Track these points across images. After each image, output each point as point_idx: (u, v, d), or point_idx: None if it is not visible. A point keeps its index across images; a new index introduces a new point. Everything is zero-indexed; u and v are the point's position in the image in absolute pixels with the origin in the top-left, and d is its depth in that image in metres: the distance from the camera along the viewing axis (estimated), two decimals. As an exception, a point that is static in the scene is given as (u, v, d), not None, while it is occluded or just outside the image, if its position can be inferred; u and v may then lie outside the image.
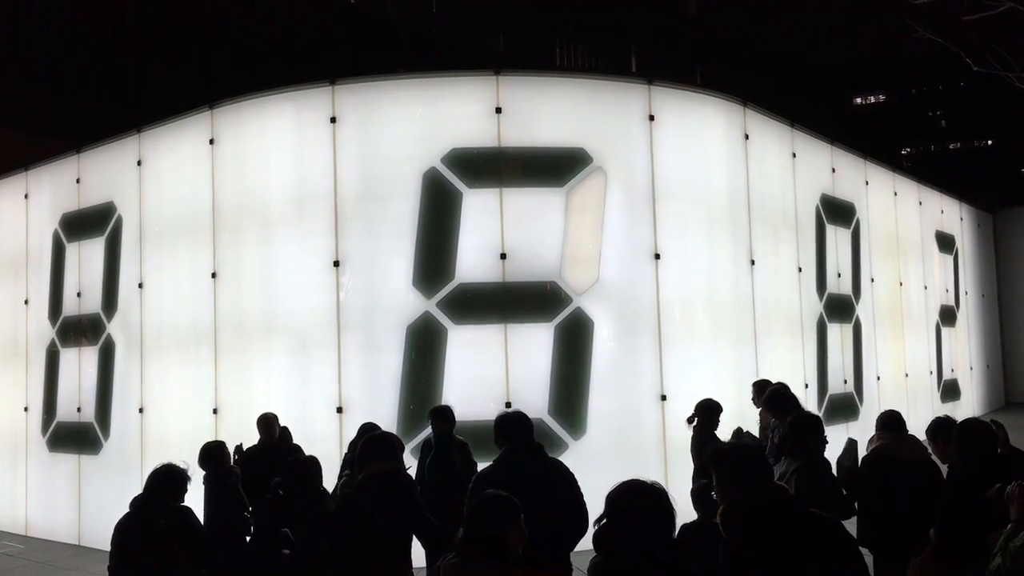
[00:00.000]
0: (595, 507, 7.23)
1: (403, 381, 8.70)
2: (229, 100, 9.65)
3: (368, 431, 6.96)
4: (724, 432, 7.65)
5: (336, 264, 8.82)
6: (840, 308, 13.01)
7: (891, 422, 5.61)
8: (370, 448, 4.74)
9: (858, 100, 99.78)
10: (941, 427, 5.19)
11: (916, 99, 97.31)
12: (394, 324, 8.75)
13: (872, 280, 14.30)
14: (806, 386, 11.74)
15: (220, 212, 9.51)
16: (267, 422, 7.61)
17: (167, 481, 5.24)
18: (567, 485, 4.71)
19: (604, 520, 3.10)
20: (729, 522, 3.11)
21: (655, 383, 9.18)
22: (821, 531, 3.08)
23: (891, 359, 14.91)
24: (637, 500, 3.04)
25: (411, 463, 6.56)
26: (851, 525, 4.84)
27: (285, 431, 7.74)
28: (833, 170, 13.31)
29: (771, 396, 6.84)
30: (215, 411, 9.28)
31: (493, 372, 8.69)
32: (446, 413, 7.09)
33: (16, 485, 11.61)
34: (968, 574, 4.13)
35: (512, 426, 4.94)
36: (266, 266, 9.24)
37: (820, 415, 7.02)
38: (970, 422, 4.60)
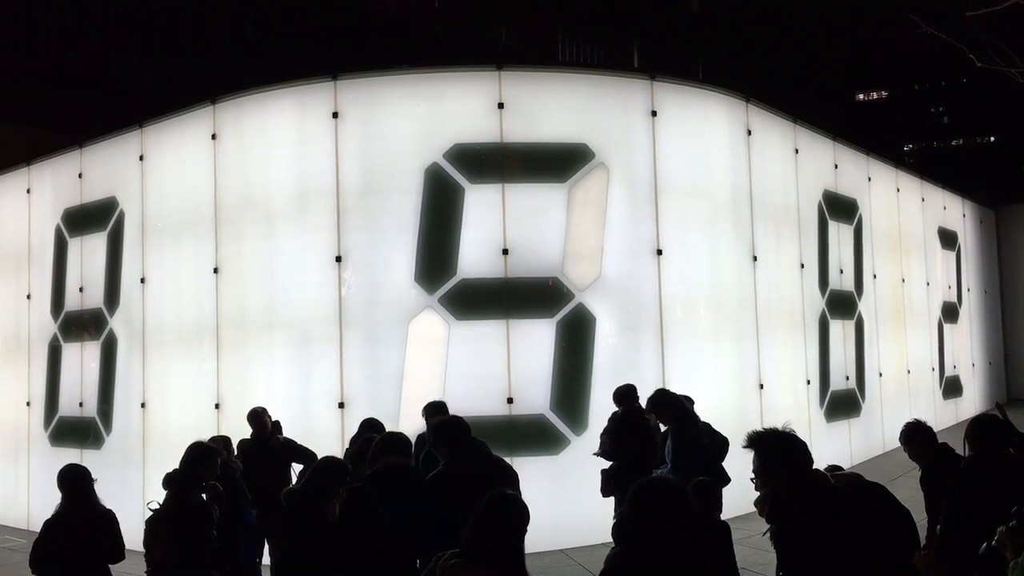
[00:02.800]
0: (597, 501, 7.21)
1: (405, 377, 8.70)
2: (231, 95, 9.64)
3: (370, 426, 6.98)
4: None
5: (338, 259, 8.81)
6: (842, 304, 13.00)
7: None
8: (381, 445, 4.83)
9: (861, 96, 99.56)
10: (916, 431, 5.37)
11: (919, 95, 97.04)
12: (396, 319, 8.75)
13: (874, 276, 14.28)
14: (808, 382, 11.74)
15: (222, 207, 9.51)
16: (257, 415, 7.58)
17: (202, 457, 5.30)
18: (508, 481, 4.74)
19: (623, 512, 3.11)
20: (782, 508, 3.12)
21: (657, 379, 9.16)
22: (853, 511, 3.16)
23: (893, 356, 14.90)
24: (655, 493, 3.05)
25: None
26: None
27: (276, 424, 7.72)
28: (836, 166, 13.29)
29: (655, 398, 6.92)
30: (217, 406, 9.28)
31: (495, 368, 8.69)
32: (440, 408, 7.09)
33: (18, 480, 11.64)
34: (974, 571, 4.12)
35: (451, 431, 5.06)
36: (268, 261, 9.24)
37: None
38: (982, 417, 4.59)
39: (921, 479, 5.49)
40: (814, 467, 3.41)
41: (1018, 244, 22.21)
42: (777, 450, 3.36)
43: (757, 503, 3.29)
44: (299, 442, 7.66)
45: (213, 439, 6.77)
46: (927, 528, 5.08)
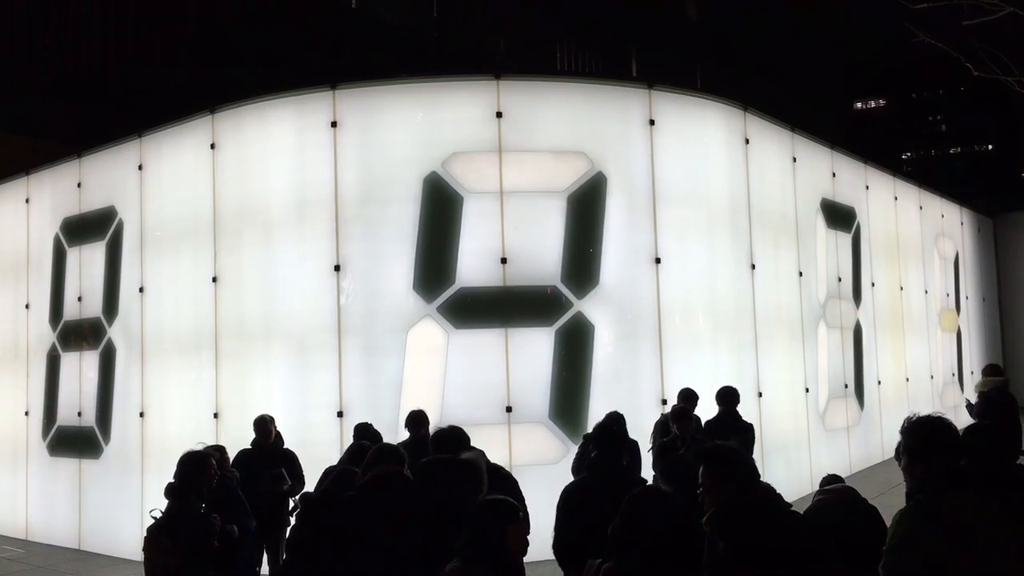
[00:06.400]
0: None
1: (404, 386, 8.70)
2: (230, 104, 9.66)
3: (363, 433, 6.99)
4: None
5: (337, 268, 8.82)
6: (841, 313, 13.01)
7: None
8: (374, 455, 4.83)
9: (858, 104, 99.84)
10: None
11: (916, 103, 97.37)
12: (394, 328, 8.76)
13: (872, 285, 14.30)
14: (807, 390, 11.74)
15: (221, 216, 9.52)
16: (263, 423, 7.61)
17: (197, 466, 5.27)
18: (509, 489, 4.77)
19: (615, 525, 3.11)
20: (726, 525, 3.12)
21: (655, 387, 9.18)
22: (807, 529, 3.16)
23: (892, 364, 14.91)
24: (647, 504, 3.05)
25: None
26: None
27: (277, 435, 7.75)
28: (833, 174, 13.32)
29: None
30: (216, 415, 9.27)
31: (494, 377, 8.69)
32: (418, 417, 7.14)
33: (16, 489, 11.61)
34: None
35: (447, 443, 5.12)
36: (267, 270, 9.24)
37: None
38: (978, 426, 4.60)
39: None
40: (763, 482, 3.42)
41: (1016, 252, 22.23)
42: (725, 464, 3.36)
43: (706, 522, 3.29)
44: (298, 454, 7.66)
45: (210, 448, 6.74)
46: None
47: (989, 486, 3.26)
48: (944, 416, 3.42)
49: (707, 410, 8.36)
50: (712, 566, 3.09)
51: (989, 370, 11.18)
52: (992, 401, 9.69)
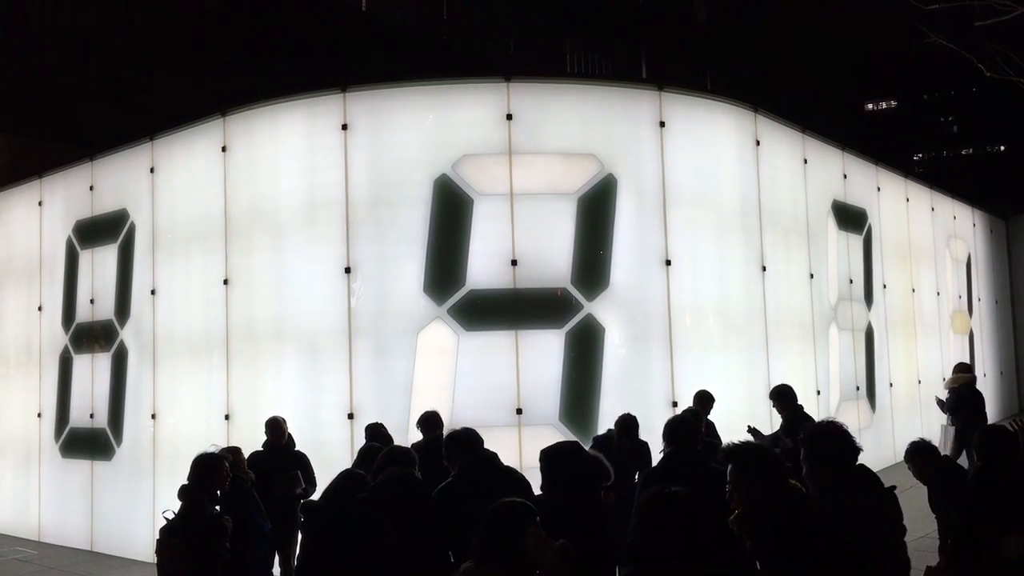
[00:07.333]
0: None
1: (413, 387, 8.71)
2: (241, 107, 9.70)
3: (374, 433, 7.01)
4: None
5: (347, 270, 8.84)
6: (852, 315, 12.95)
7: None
8: (386, 457, 4.85)
9: (869, 105, 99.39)
10: (917, 451, 5.48)
11: (928, 104, 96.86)
12: (405, 330, 8.76)
13: (884, 286, 14.23)
14: (818, 393, 11.69)
15: (232, 219, 9.55)
16: (276, 425, 7.65)
17: (209, 467, 5.29)
18: (521, 490, 4.76)
19: (631, 529, 3.09)
20: (753, 524, 3.11)
21: (666, 389, 9.16)
22: (833, 529, 3.16)
23: (903, 366, 14.83)
24: (662, 507, 3.02)
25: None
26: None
27: (289, 437, 7.78)
28: (845, 176, 13.27)
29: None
30: (227, 417, 9.30)
31: (504, 379, 8.69)
32: (431, 419, 7.18)
33: (29, 491, 11.67)
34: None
35: (460, 445, 5.10)
36: (277, 272, 9.27)
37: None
38: (991, 428, 4.60)
39: (930, 500, 5.48)
40: (792, 482, 3.41)
41: (1029, 254, 22.09)
42: (754, 463, 3.34)
43: (732, 521, 3.27)
44: (309, 455, 7.70)
45: (224, 450, 6.77)
46: (940, 543, 5.06)
47: (876, 487, 3.56)
48: (836, 421, 3.63)
49: (717, 412, 8.34)
50: (739, 565, 3.09)
51: (959, 367, 11.74)
52: (962, 396, 10.61)
